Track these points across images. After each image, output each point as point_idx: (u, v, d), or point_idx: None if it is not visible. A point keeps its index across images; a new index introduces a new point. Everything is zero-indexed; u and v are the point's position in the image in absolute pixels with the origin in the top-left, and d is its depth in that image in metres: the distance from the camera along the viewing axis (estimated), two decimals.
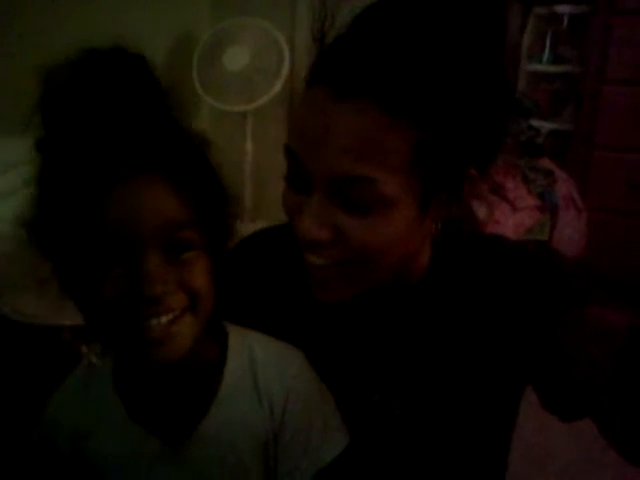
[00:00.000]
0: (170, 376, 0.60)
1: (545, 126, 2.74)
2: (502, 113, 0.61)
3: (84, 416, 0.63)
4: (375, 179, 0.55)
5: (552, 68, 2.92)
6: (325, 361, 0.69)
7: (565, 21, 2.88)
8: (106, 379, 0.64)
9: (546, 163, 2.30)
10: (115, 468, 0.62)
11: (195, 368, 0.61)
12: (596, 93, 2.70)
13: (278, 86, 2.47)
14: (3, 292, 1.38)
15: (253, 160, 2.67)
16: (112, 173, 0.53)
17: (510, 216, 2.04)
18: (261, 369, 0.63)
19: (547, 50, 2.92)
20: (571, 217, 2.30)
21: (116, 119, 0.54)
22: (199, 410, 0.61)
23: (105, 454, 0.62)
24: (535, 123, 2.44)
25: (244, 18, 2.65)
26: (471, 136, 0.58)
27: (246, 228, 0.78)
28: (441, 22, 0.56)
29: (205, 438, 0.60)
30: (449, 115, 0.56)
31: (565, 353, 0.61)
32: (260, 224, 0.86)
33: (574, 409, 0.64)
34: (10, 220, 1.28)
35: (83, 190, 0.52)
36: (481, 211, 2.09)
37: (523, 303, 0.67)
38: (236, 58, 2.60)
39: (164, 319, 0.54)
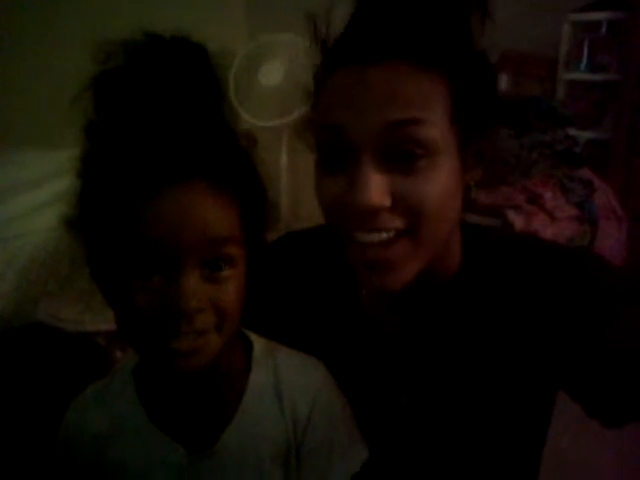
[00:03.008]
0: (194, 384, 0.59)
1: (584, 135, 2.68)
2: (492, 75, 0.65)
3: (106, 421, 0.63)
4: (422, 119, 0.57)
5: (590, 76, 2.86)
6: (353, 363, 0.69)
7: (603, 28, 2.83)
8: (128, 384, 0.64)
9: (585, 173, 2.27)
10: (136, 475, 0.61)
11: (219, 376, 0.60)
12: (636, 100, 2.63)
13: None
14: (40, 299, 1.41)
15: (289, 175, 2.70)
16: (160, 177, 0.50)
17: (548, 226, 2.01)
18: (285, 381, 0.62)
19: (585, 58, 2.86)
20: (611, 227, 2.25)
21: (171, 116, 0.52)
22: (223, 418, 0.60)
23: (126, 461, 0.61)
24: (573, 132, 2.40)
25: (279, 34, 2.69)
26: (483, 88, 0.62)
27: None
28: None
29: (228, 447, 0.60)
30: (466, 63, 0.60)
31: (610, 354, 0.60)
32: None
33: (618, 413, 0.62)
34: (45, 231, 1.32)
35: (127, 192, 0.50)
36: (518, 221, 2.09)
37: (560, 302, 0.65)
38: (271, 74, 2.64)
39: (191, 335, 0.53)
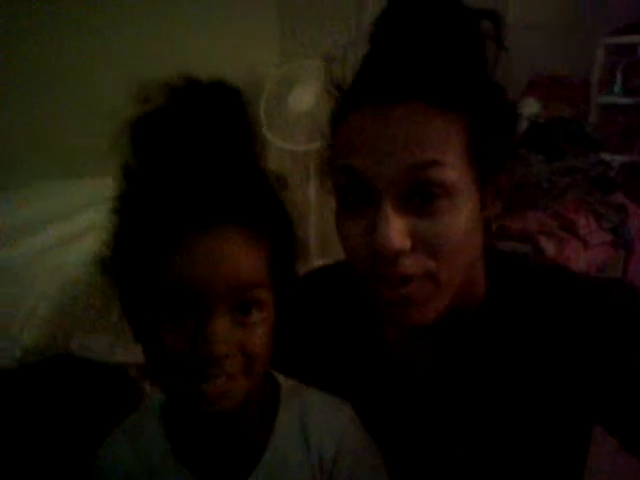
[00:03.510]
0: (221, 424, 0.59)
1: (617, 159, 2.65)
2: (510, 109, 0.64)
3: (136, 459, 0.63)
4: (441, 161, 0.57)
5: (624, 100, 2.83)
6: (381, 401, 0.69)
7: (638, 51, 2.80)
8: (156, 421, 0.64)
9: (619, 198, 2.23)
10: None
11: (247, 417, 0.60)
12: None
13: None
14: (73, 333, 1.43)
15: (317, 199, 2.70)
16: (192, 223, 0.50)
17: (581, 253, 1.98)
18: (311, 423, 0.62)
19: (618, 81, 2.84)
20: None
21: (205, 161, 0.52)
22: (249, 460, 0.60)
23: None
24: (607, 157, 2.37)
25: (310, 60, 2.72)
26: (501, 124, 0.62)
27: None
28: (445, 20, 0.60)
29: None
30: (483, 100, 0.60)
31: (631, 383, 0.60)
32: None
33: None
34: (77, 264, 1.34)
35: (159, 237, 0.51)
36: (550, 248, 2.05)
37: (593, 333, 0.64)
38: (302, 98, 2.66)
39: (220, 378, 0.53)
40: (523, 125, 2.74)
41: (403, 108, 0.57)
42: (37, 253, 1.35)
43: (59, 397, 1.26)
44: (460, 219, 0.59)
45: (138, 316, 0.56)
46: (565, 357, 0.65)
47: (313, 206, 2.71)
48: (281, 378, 0.66)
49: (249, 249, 0.53)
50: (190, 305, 0.51)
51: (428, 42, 0.59)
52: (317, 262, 0.83)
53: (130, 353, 1.51)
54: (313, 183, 2.70)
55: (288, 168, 2.68)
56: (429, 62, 0.58)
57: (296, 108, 2.67)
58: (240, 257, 0.52)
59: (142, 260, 0.52)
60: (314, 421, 0.62)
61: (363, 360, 0.73)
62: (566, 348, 0.65)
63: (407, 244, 0.58)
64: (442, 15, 0.59)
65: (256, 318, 0.54)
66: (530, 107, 2.83)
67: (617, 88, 2.85)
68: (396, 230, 0.57)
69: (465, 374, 0.69)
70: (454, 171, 0.57)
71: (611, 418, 0.64)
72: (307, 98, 2.65)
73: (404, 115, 0.57)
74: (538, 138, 2.32)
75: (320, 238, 2.69)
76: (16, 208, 1.46)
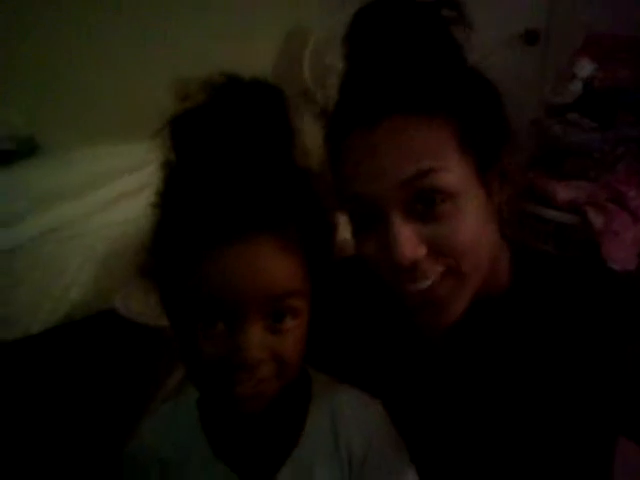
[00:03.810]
0: (254, 419, 0.59)
1: None
2: (493, 91, 0.64)
3: (171, 448, 0.64)
4: (434, 168, 0.57)
5: None
6: (407, 382, 0.71)
7: None
8: (192, 413, 0.65)
9: None
10: None
11: (279, 413, 0.60)
12: None
13: None
14: (118, 288, 1.46)
15: None
16: (228, 231, 0.50)
17: (629, 228, 1.92)
18: (342, 419, 0.62)
19: None
20: None
21: (245, 165, 0.52)
22: (280, 454, 0.61)
23: None
24: None
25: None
26: (489, 111, 0.62)
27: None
28: (415, 30, 0.61)
29: None
30: (465, 95, 0.60)
31: None
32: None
33: None
34: (123, 223, 1.36)
35: (195, 244, 0.50)
36: (598, 220, 2.00)
37: (613, 328, 0.65)
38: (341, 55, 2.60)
39: (252, 382, 0.53)
40: (577, 87, 2.63)
41: (388, 124, 0.58)
42: (83, 216, 1.38)
43: (101, 357, 1.30)
44: (468, 217, 0.60)
45: (176, 318, 0.56)
46: (583, 350, 0.66)
47: None
48: (312, 373, 0.66)
49: (284, 257, 0.52)
50: (224, 312, 0.51)
51: (397, 53, 0.60)
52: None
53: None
54: None
55: None
56: (403, 73, 0.59)
57: (337, 64, 2.61)
58: (275, 266, 0.51)
59: (178, 265, 0.52)
60: (344, 420, 0.62)
61: (391, 346, 0.74)
62: (585, 342, 0.66)
63: (422, 252, 0.59)
64: (405, 21, 0.60)
65: (290, 325, 0.54)
66: (584, 69, 2.71)
67: None
68: (408, 241, 0.59)
69: (487, 361, 0.70)
70: (452, 173, 0.58)
71: (616, 405, 0.65)
72: None
73: (391, 131, 0.58)
74: (592, 104, 2.23)
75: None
76: (63, 171, 1.48)
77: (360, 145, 0.60)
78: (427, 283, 0.61)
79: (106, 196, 1.42)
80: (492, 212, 0.64)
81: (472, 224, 0.60)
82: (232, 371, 0.52)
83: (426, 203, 0.59)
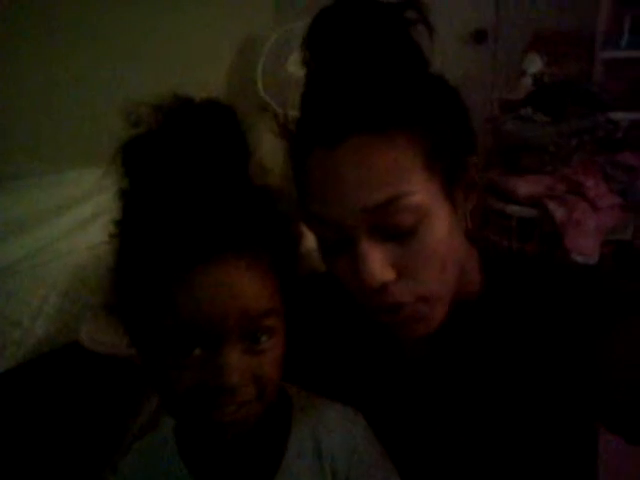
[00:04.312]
0: (234, 445, 0.58)
1: (626, 117, 2.60)
2: (455, 102, 0.62)
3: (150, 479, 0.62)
4: (405, 193, 0.55)
5: (631, 53, 2.75)
6: (384, 396, 0.70)
7: None
8: (170, 442, 0.63)
9: (627, 158, 2.19)
10: None
11: (259, 438, 0.59)
12: None
13: None
14: (82, 318, 1.44)
15: None
16: (193, 255, 0.48)
17: (591, 216, 1.96)
18: (324, 437, 0.61)
19: (626, 34, 2.75)
20: None
21: (202, 187, 0.50)
22: (264, 476, 0.60)
23: None
24: (615, 115, 2.33)
25: (307, 22, 2.64)
26: (451, 126, 0.59)
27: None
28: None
29: None
30: (428, 112, 0.57)
31: (626, 371, 0.59)
32: None
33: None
34: (86, 249, 1.33)
35: (159, 271, 0.49)
36: (559, 212, 2.03)
37: (587, 324, 0.63)
38: (300, 62, 2.60)
39: (233, 407, 0.52)
40: (528, 83, 2.69)
41: (351, 144, 0.55)
42: (47, 244, 1.35)
43: (69, 390, 1.27)
44: (436, 235, 0.58)
45: (147, 351, 0.55)
46: (559, 348, 0.65)
47: None
48: (293, 391, 0.65)
49: (252, 276, 0.51)
50: (200, 338, 0.50)
51: (360, 60, 0.57)
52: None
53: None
54: None
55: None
56: (366, 86, 0.56)
57: (295, 72, 2.61)
58: (246, 286, 0.50)
59: (144, 296, 0.51)
60: (327, 437, 0.61)
61: (368, 356, 0.73)
62: (561, 339, 0.65)
63: (390, 274, 0.58)
64: (368, 24, 0.58)
65: (267, 345, 0.53)
66: (534, 64, 2.77)
67: (624, 42, 2.77)
68: (376, 263, 0.57)
69: (464, 366, 0.69)
70: (418, 195, 0.56)
71: (595, 400, 0.64)
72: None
73: (353, 152, 0.55)
74: (544, 98, 2.27)
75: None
76: (23, 200, 1.45)
77: (322, 165, 0.57)
78: (397, 307, 0.60)
79: (70, 222, 1.39)
80: (459, 223, 0.63)
81: (442, 239, 0.59)
82: (211, 397, 0.51)
83: (394, 228, 0.57)
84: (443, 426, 0.70)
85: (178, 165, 0.51)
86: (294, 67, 2.61)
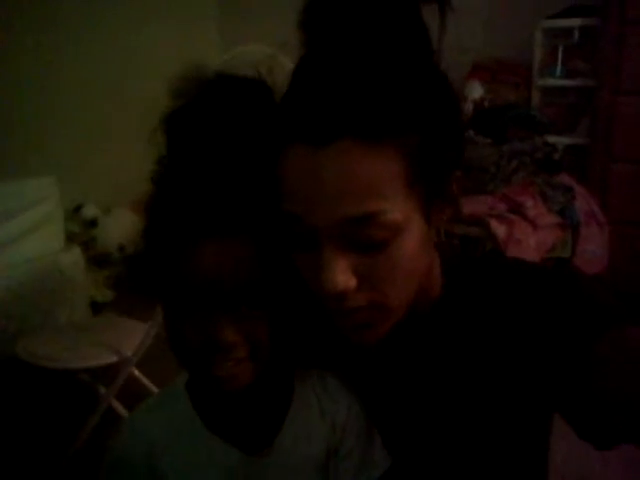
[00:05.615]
0: (242, 397, 0.63)
1: (561, 141, 2.70)
2: (455, 110, 0.60)
3: (161, 432, 0.66)
4: (381, 210, 0.53)
5: (565, 82, 2.88)
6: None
7: (576, 34, 2.85)
8: (182, 396, 0.68)
9: (565, 179, 2.27)
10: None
11: (264, 392, 0.65)
12: (611, 105, 2.66)
13: None
14: (20, 334, 1.38)
15: None
16: (203, 230, 0.56)
17: (531, 235, 2.00)
18: (324, 394, 0.69)
19: (559, 64, 2.89)
20: (593, 232, 2.25)
21: (230, 163, 0.56)
22: (272, 428, 0.66)
23: (181, 466, 0.64)
24: (551, 139, 2.41)
25: (251, 45, 2.66)
26: (445, 138, 0.56)
27: None
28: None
29: (281, 450, 0.65)
30: (421, 123, 0.54)
31: (599, 375, 0.58)
32: None
33: (610, 436, 0.60)
34: (25, 262, 1.27)
35: (174, 239, 0.57)
36: (500, 230, 2.07)
37: (548, 327, 0.62)
38: None
39: (228, 364, 0.58)
40: (469, 108, 2.77)
41: (337, 148, 0.51)
42: None
43: (7, 402, 1.23)
44: (405, 251, 0.56)
45: (163, 305, 0.62)
46: (522, 348, 0.64)
47: None
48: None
49: (251, 255, 0.57)
50: (200, 301, 0.57)
51: (361, 46, 0.53)
52: None
53: (80, 358, 1.46)
54: None
55: None
56: (366, 81, 0.52)
57: None
58: (243, 263, 0.57)
59: (160, 257, 0.59)
60: (329, 389, 0.69)
61: (339, 353, 0.73)
62: (522, 339, 0.64)
63: (352, 284, 0.56)
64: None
65: (258, 312, 0.59)
66: (474, 91, 2.86)
67: (558, 71, 2.90)
68: (340, 271, 0.55)
69: (421, 369, 0.69)
70: (396, 214, 0.53)
71: (566, 405, 0.63)
72: None
73: (338, 156, 0.51)
74: (485, 121, 2.34)
75: None
76: None
77: (302, 164, 0.53)
78: (351, 312, 0.58)
79: (5, 237, 1.31)
80: (430, 237, 0.61)
81: (413, 254, 0.57)
82: (210, 353, 0.58)
83: (366, 241, 0.54)
84: (408, 429, 0.70)
85: (214, 136, 0.57)
86: None
